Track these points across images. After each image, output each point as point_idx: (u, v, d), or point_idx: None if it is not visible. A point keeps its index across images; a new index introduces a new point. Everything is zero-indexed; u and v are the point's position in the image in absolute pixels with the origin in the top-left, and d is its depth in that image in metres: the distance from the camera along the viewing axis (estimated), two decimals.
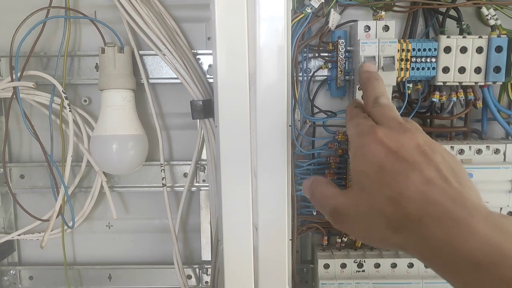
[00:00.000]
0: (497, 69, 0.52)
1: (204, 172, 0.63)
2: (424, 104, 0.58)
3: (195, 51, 0.60)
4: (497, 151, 0.54)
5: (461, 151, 0.54)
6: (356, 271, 0.59)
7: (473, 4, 0.53)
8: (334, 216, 0.34)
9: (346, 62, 0.55)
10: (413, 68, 0.52)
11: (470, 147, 0.54)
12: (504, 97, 0.57)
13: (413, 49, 0.52)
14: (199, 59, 0.60)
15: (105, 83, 0.56)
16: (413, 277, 0.58)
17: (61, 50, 0.58)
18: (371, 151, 0.32)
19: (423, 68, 0.52)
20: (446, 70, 0.52)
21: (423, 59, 0.52)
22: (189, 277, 0.67)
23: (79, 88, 0.63)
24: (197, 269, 0.67)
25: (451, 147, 0.54)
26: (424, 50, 0.52)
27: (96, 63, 0.60)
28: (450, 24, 0.55)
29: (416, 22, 0.56)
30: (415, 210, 0.28)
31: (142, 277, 0.67)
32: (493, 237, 0.25)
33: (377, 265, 0.59)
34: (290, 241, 0.52)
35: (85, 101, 0.63)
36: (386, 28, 0.52)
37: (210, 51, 0.59)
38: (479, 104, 0.56)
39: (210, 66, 0.60)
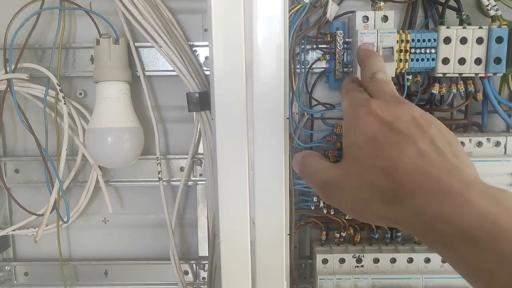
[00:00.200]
0: (497, 60, 0.51)
1: (201, 166, 0.63)
2: (424, 97, 0.57)
3: (192, 43, 0.59)
4: (497, 144, 0.54)
5: (461, 144, 0.53)
6: (355, 266, 0.58)
7: None
8: (324, 190, 0.33)
9: (345, 54, 0.54)
10: (412, 59, 0.51)
11: (470, 139, 0.53)
12: (505, 88, 0.57)
13: (413, 40, 0.51)
14: (195, 51, 0.59)
15: (100, 75, 0.55)
16: (412, 272, 0.58)
17: (55, 42, 0.58)
18: (364, 123, 0.31)
19: (422, 59, 0.51)
20: (446, 61, 0.51)
21: (422, 50, 0.51)
22: (186, 272, 0.66)
23: (74, 81, 0.62)
24: (194, 265, 0.66)
25: None
26: (424, 41, 0.51)
27: (91, 56, 0.59)
28: (450, 15, 0.54)
29: (415, 13, 0.56)
30: (408, 183, 0.27)
31: (139, 273, 0.67)
32: (490, 210, 0.24)
33: (376, 260, 0.58)
34: (288, 236, 0.51)
35: (80, 94, 0.62)
36: (385, 19, 0.51)
37: (207, 43, 0.59)
38: (479, 96, 0.55)
39: (206, 58, 0.59)
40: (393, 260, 0.58)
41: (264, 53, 0.47)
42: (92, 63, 0.60)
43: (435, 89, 0.54)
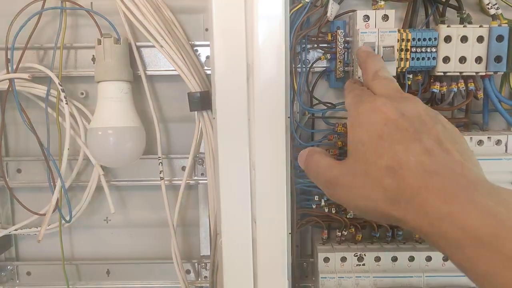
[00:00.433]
0: (498, 59, 0.51)
1: (203, 166, 0.63)
2: (425, 96, 0.57)
3: (193, 43, 0.59)
4: (498, 142, 0.54)
5: None
6: (357, 265, 0.58)
7: None
8: (328, 187, 0.33)
9: (345, 53, 0.54)
10: (413, 58, 0.51)
11: (471, 138, 0.53)
12: (506, 87, 0.57)
13: (413, 39, 0.51)
14: (196, 50, 0.59)
15: (101, 75, 0.55)
16: (414, 270, 0.58)
17: (57, 42, 0.58)
18: (369, 119, 0.31)
19: (423, 58, 0.51)
20: (446, 60, 0.52)
21: (423, 49, 0.51)
22: (188, 272, 0.66)
23: (76, 81, 0.62)
24: (196, 264, 0.66)
25: None
26: (424, 39, 0.51)
27: (93, 55, 0.60)
28: (451, 14, 0.55)
29: (416, 12, 0.56)
30: (414, 181, 0.27)
31: (141, 272, 0.67)
32: (497, 210, 0.24)
33: (377, 259, 0.58)
34: (290, 234, 0.51)
35: (82, 93, 0.62)
36: (386, 18, 0.51)
37: (208, 42, 0.59)
38: (480, 94, 0.55)
39: (207, 57, 0.59)
40: (394, 259, 0.58)
41: (265, 52, 0.48)
42: (94, 63, 0.60)
43: (436, 88, 0.54)
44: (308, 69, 0.57)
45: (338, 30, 0.54)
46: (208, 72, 0.59)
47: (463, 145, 0.29)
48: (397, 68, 0.51)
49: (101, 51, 0.55)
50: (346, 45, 0.54)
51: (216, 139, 0.48)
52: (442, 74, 0.52)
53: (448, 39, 0.51)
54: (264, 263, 0.51)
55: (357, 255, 0.58)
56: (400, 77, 0.55)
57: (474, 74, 0.52)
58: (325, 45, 0.55)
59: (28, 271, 0.68)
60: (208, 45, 0.59)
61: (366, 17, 0.51)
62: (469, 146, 0.52)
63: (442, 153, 0.28)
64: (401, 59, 0.51)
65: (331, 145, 0.57)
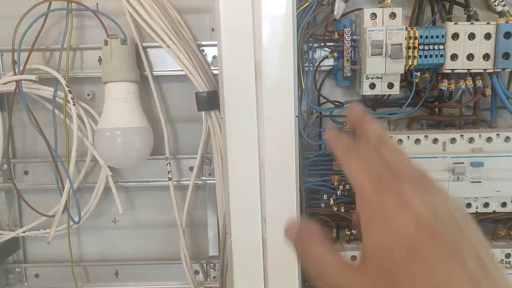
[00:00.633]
0: (506, 56, 0.51)
1: (211, 166, 0.63)
2: (432, 93, 0.57)
3: (199, 43, 0.59)
4: (507, 139, 0.54)
5: (471, 140, 0.53)
6: None
7: None
8: None
9: (352, 51, 0.54)
10: (420, 56, 0.51)
11: (480, 135, 0.53)
12: None
13: (421, 36, 0.51)
14: (203, 50, 0.59)
15: (108, 76, 0.55)
16: None
17: (63, 43, 0.58)
18: (396, 218, 0.23)
19: (431, 56, 0.51)
20: (454, 57, 0.52)
21: (431, 47, 0.51)
22: (196, 272, 0.66)
23: (82, 82, 0.62)
24: (205, 264, 0.66)
25: (460, 135, 0.53)
26: (432, 37, 0.51)
27: (99, 56, 0.60)
28: (457, 11, 0.55)
29: (422, 10, 0.56)
30: None
31: (149, 273, 0.67)
32: None
33: None
34: None
35: (89, 95, 0.62)
36: (393, 16, 0.51)
37: (214, 42, 0.59)
38: (488, 91, 0.55)
39: (214, 57, 0.59)
40: None
41: (272, 51, 0.48)
42: (100, 64, 0.60)
43: (444, 85, 0.54)
44: (315, 67, 0.56)
45: (345, 29, 0.53)
46: (215, 72, 0.59)
47: (492, 257, 0.23)
48: (405, 66, 0.51)
49: (107, 52, 0.55)
50: (353, 43, 0.54)
51: (225, 139, 0.48)
52: (449, 71, 0.52)
53: (455, 36, 0.51)
54: (275, 263, 0.51)
55: None
56: (407, 75, 0.55)
57: (482, 71, 0.52)
58: (332, 43, 0.55)
59: (36, 273, 0.68)
60: (214, 45, 0.59)
61: (374, 15, 0.51)
62: (478, 142, 0.53)
63: (485, 280, 0.21)
64: (409, 57, 0.51)
65: None
